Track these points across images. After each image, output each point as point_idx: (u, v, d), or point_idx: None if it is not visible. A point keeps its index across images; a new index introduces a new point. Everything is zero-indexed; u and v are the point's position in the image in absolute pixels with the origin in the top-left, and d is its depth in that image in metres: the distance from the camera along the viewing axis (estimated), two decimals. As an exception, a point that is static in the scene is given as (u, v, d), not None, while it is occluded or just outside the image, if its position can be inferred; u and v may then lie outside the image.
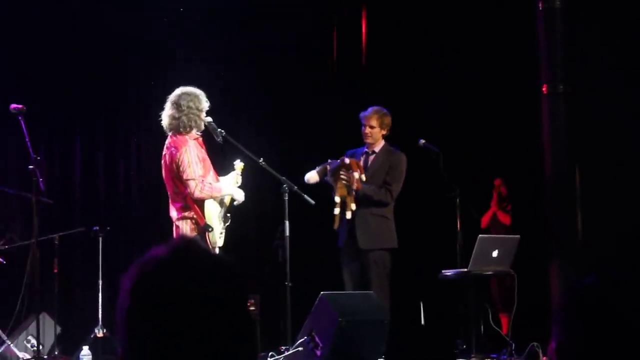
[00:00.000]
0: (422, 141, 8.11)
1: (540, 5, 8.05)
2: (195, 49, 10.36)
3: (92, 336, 8.18)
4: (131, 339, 1.35)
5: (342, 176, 7.51)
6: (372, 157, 7.91)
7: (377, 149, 7.92)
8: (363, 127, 7.87)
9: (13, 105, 6.90)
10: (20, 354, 8.09)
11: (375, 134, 7.85)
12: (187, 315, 1.34)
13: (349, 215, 7.48)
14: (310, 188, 7.52)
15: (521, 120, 9.06)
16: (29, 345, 8.25)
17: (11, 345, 8.15)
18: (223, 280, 1.39)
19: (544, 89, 8.07)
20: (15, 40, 9.77)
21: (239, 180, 6.86)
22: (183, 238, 1.44)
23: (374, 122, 7.84)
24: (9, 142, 9.50)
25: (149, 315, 1.34)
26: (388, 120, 7.88)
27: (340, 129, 8.83)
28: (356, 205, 7.59)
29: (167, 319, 1.33)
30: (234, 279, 1.42)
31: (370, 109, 7.88)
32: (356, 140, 8.03)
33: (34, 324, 7.72)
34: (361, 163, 7.77)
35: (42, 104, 9.84)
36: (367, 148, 7.95)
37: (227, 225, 6.82)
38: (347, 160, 7.55)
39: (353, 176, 7.50)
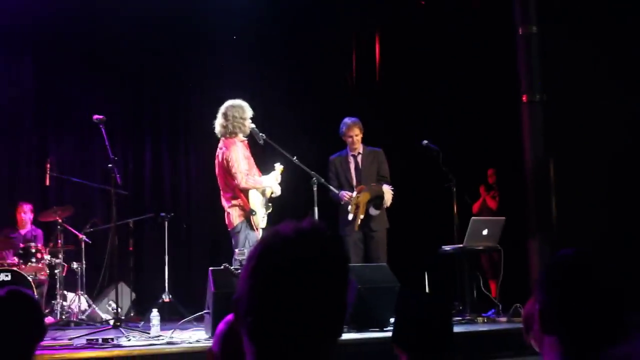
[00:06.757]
0: (425, 142, 8.04)
1: (520, 30, 7.96)
2: (242, 69, 10.36)
3: (160, 301, 8.20)
4: (250, 291, 1.34)
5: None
6: (359, 158, 7.82)
7: (360, 150, 7.82)
8: (349, 138, 7.73)
9: (95, 116, 6.90)
10: (103, 315, 8.15)
11: (359, 139, 7.78)
12: (294, 285, 1.31)
13: (361, 216, 7.48)
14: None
15: (505, 125, 8.97)
16: (110, 308, 8.29)
17: (96, 308, 8.24)
18: (329, 265, 1.35)
19: (523, 98, 7.97)
20: (100, 64, 9.83)
21: (279, 178, 6.86)
22: (309, 222, 1.40)
23: (357, 131, 7.74)
24: (93, 146, 9.53)
25: (267, 277, 1.33)
26: (361, 125, 7.80)
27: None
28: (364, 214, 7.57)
29: (280, 283, 1.31)
30: (337, 268, 1.37)
31: (349, 121, 7.76)
32: (370, 141, 7.96)
33: (113, 292, 7.74)
34: (352, 165, 7.72)
35: (119, 114, 9.89)
36: (350, 152, 7.80)
37: (270, 212, 6.81)
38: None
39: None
